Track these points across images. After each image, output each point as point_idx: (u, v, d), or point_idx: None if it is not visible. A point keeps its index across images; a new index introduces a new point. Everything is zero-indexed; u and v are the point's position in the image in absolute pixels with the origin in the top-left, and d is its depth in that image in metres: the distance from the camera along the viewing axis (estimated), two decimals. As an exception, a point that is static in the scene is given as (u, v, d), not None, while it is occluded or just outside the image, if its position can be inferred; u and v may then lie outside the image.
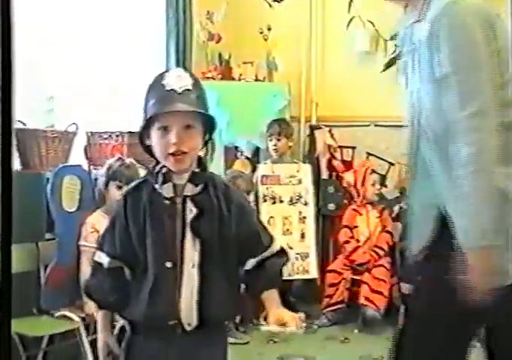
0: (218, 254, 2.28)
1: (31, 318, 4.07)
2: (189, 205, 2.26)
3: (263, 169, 5.84)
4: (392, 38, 6.27)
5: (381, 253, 5.66)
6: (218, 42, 6.27)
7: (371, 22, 6.33)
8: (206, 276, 2.25)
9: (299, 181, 5.88)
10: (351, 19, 6.35)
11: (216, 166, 5.04)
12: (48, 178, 4.33)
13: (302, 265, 5.71)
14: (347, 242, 5.75)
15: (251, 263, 2.34)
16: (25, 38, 4.88)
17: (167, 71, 2.38)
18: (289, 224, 5.76)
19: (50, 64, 5.08)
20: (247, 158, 6.07)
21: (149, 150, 2.31)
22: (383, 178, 6.20)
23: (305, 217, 5.83)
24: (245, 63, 6.25)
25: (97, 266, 2.37)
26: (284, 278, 5.34)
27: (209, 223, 2.26)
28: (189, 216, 2.25)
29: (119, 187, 4.30)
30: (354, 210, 5.85)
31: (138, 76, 5.83)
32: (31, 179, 4.40)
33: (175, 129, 2.21)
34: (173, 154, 2.21)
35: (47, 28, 5.08)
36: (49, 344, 4.01)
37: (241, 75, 6.18)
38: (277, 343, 5.09)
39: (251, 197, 5.61)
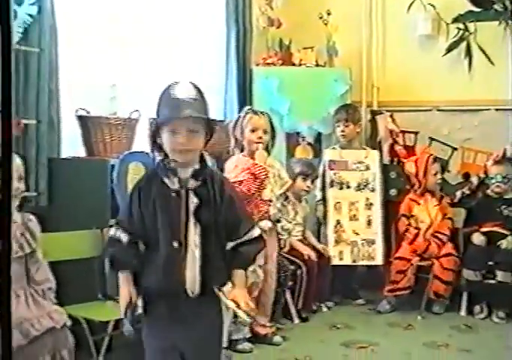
0: (213, 236, 2.75)
1: (97, 303, 4.13)
2: (191, 196, 2.72)
3: (330, 154, 5.81)
4: (453, 21, 6.19)
5: (444, 238, 5.60)
6: (278, 27, 6.25)
7: (433, 5, 6.23)
8: (205, 254, 2.71)
9: (367, 167, 5.84)
10: (412, 2, 6.26)
11: (278, 152, 5.02)
12: (113, 165, 4.38)
13: (368, 251, 5.68)
14: (406, 230, 5.70)
15: (230, 245, 2.79)
16: (87, 27, 4.94)
17: (175, 83, 2.87)
18: (355, 210, 5.74)
19: (112, 52, 5.12)
20: (309, 144, 6.04)
21: (158, 146, 2.77)
22: (446, 163, 6.12)
23: (371, 204, 5.79)
24: (305, 48, 6.22)
25: (115, 241, 2.78)
26: (348, 264, 5.36)
27: (207, 211, 2.73)
28: (191, 205, 2.71)
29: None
30: (411, 200, 5.78)
31: (199, 62, 5.85)
32: (96, 166, 4.46)
33: (182, 132, 2.67)
34: (180, 151, 2.69)
35: (109, 17, 5.12)
36: (114, 329, 4.04)
37: (301, 60, 6.15)
38: (340, 329, 5.08)
39: (317, 182, 5.59)
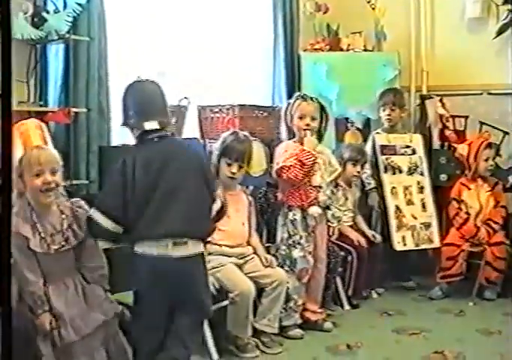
0: None
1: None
2: None
3: (379, 138, 5.77)
4: (504, 3, 6.09)
5: (496, 227, 5.53)
6: (325, 13, 6.21)
7: (483, -13, 6.14)
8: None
9: (413, 151, 5.80)
10: (462, -16, 6.18)
11: (327, 138, 5.00)
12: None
13: (427, 235, 5.64)
14: (456, 214, 5.64)
15: None
16: (136, 14, 4.96)
17: None
18: (409, 194, 5.69)
19: (161, 39, 5.14)
20: (358, 129, 6.00)
21: None
22: (497, 148, 6.03)
23: (423, 187, 5.75)
24: (353, 33, 6.19)
25: None
26: (412, 248, 5.32)
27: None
28: None
29: (229, 165, 4.33)
30: (462, 184, 5.71)
31: (246, 50, 5.85)
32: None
33: None
34: None
35: (157, 4, 5.13)
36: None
37: (349, 45, 6.11)
38: (391, 315, 5.06)
39: (367, 166, 5.56)
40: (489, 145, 5.69)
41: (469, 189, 5.67)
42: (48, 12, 4.19)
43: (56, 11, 4.23)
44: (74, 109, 4.30)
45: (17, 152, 3.21)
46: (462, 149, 5.75)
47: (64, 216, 3.36)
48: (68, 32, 4.22)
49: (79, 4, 4.24)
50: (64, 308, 3.21)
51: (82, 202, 3.50)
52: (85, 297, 3.36)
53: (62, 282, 3.32)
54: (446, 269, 5.43)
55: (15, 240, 3.03)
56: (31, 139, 3.34)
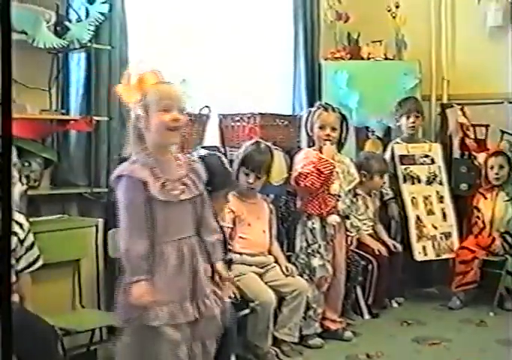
0: None
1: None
2: None
3: (399, 148, 5.76)
4: (526, 11, 6.08)
5: (511, 240, 5.50)
6: (346, 21, 6.23)
7: (504, -4, 6.13)
8: None
9: (432, 161, 5.80)
10: (482, -7, 6.17)
11: (347, 147, 4.99)
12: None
13: (447, 245, 5.62)
14: (475, 223, 5.63)
15: None
16: (158, 23, 4.98)
17: None
18: (430, 204, 5.68)
19: (183, 48, 5.16)
20: (378, 138, 6.00)
21: None
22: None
23: (442, 197, 5.74)
24: (373, 42, 6.18)
25: None
26: (433, 258, 5.30)
27: None
28: None
29: (246, 174, 4.33)
30: (480, 193, 5.71)
31: (267, 57, 5.86)
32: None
33: None
34: None
35: (178, 13, 5.15)
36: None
37: (370, 54, 6.11)
38: (411, 325, 5.04)
39: (386, 177, 5.55)
40: (496, 154, 5.66)
41: (485, 198, 5.66)
42: (70, 21, 4.21)
43: (78, 20, 4.26)
44: (96, 118, 4.32)
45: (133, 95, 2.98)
46: (481, 158, 5.75)
47: (181, 162, 3.03)
48: (90, 41, 4.24)
49: (102, 13, 4.26)
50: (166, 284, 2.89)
51: (197, 159, 3.28)
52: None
53: (177, 244, 2.96)
54: (460, 275, 5.41)
55: (130, 187, 2.84)
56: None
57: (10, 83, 1.29)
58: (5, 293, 1.35)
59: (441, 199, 5.73)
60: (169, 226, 2.93)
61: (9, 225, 1.31)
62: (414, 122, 5.79)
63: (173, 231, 2.95)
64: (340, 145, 4.61)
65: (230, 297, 3.90)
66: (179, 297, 2.91)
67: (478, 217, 5.62)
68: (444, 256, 5.61)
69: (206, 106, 4.78)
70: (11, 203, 1.34)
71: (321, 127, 4.52)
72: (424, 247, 5.57)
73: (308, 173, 4.39)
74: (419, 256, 5.53)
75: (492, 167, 5.62)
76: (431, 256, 5.59)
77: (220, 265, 3.15)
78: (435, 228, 5.63)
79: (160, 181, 2.87)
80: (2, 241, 1.30)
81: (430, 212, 5.67)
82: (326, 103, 4.72)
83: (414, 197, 5.68)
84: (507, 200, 5.60)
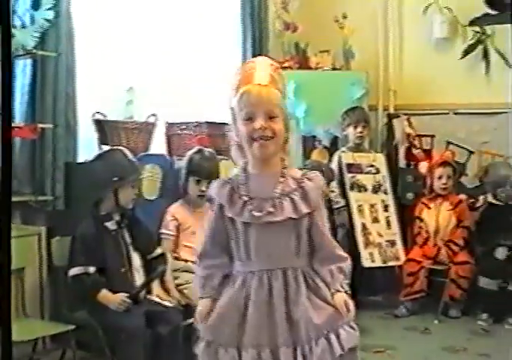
0: None
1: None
2: None
3: (345, 157, 5.79)
4: (470, 24, 6.17)
5: (456, 248, 5.55)
6: (294, 31, 6.26)
7: (449, 8, 6.21)
8: None
9: (378, 170, 5.85)
10: (428, 6, 6.25)
11: (294, 156, 5.02)
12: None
13: (392, 252, 5.67)
14: (418, 233, 5.70)
15: None
16: (105, 30, 4.96)
17: None
18: (375, 212, 5.72)
19: (129, 56, 5.14)
20: (325, 147, 6.03)
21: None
22: (463, 167, 6.09)
23: (387, 206, 5.80)
24: (321, 52, 6.23)
25: None
26: (379, 265, 5.33)
27: None
28: None
29: (198, 182, 4.34)
30: (423, 203, 5.78)
31: (215, 66, 5.85)
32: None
33: None
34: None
35: (126, 20, 5.14)
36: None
37: (318, 64, 6.15)
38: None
39: (334, 185, 5.58)
40: (443, 164, 5.73)
41: (429, 208, 5.72)
42: (15, 27, 4.17)
43: (23, 26, 4.22)
44: (41, 125, 4.28)
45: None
46: (422, 167, 5.82)
47: (282, 179, 2.60)
48: (35, 48, 4.20)
49: (47, 20, 4.23)
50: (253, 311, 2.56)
51: (316, 176, 2.70)
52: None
53: (266, 271, 2.57)
54: (408, 286, 5.47)
55: (211, 203, 2.67)
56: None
57: (10, 85, 1.27)
58: (5, 293, 1.34)
59: (386, 207, 5.79)
60: (250, 252, 2.59)
61: (9, 225, 1.30)
62: (361, 132, 5.83)
63: (256, 259, 2.59)
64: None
65: (175, 304, 3.91)
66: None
67: (421, 227, 5.70)
68: (390, 264, 5.66)
69: (153, 115, 4.76)
70: (11, 203, 1.33)
71: None
72: (371, 254, 5.61)
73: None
74: (366, 263, 5.57)
75: (440, 177, 5.68)
76: (378, 262, 5.63)
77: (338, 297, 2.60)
78: (381, 235, 5.68)
79: (242, 199, 2.57)
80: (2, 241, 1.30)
81: (375, 220, 5.71)
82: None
83: (360, 205, 5.72)
84: (451, 209, 5.67)
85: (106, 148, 4.36)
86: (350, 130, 5.84)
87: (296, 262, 2.60)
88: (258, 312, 2.53)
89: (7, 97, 1.30)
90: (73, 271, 3.70)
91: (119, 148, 4.12)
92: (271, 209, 2.54)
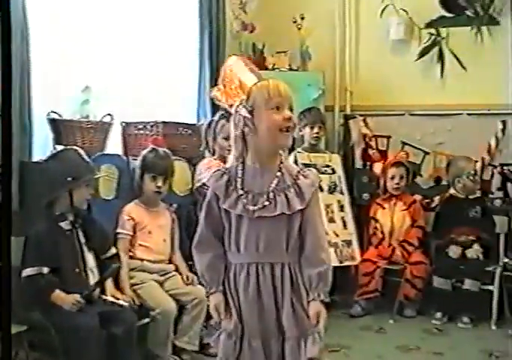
0: None
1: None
2: None
3: (301, 157, 5.81)
4: (426, 26, 6.24)
5: (411, 248, 5.63)
6: (251, 32, 6.27)
7: (405, 10, 6.26)
8: None
9: (333, 171, 5.87)
10: (385, 7, 6.29)
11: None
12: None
13: (348, 252, 5.70)
14: (374, 234, 5.75)
15: None
16: (60, 28, 4.91)
17: None
18: (331, 212, 5.75)
19: (85, 54, 5.09)
20: (281, 147, 6.03)
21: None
22: (418, 168, 6.15)
23: (343, 206, 5.82)
24: (278, 52, 6.24)
25: None
26: (336, 265, 5.41)
27: None
28: None
29: (154, 178, 4.35)
30: (377, 203, 5.85)
31: (172, 65, 5.84)
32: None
33: None
34: None
35: (82, 18, 5.09)
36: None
37: (275, 64, 6.16)
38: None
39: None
40: (396, 164, 5.79)
41: (383, 208, 5.79)
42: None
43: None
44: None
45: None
46: (376, 168, 5.87)
47: (279, 174, 2.66)
48: (-12, 45, 4.15)
49: (1, 16, 4.18)
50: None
51: (312, 173, 2.73)
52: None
53: (255, 264, 2.66)
54: (363, 286, 5.52)
55: (207, 196, 2.75)
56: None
57: (10, 85, 1.26)
58: (5, 293, 1.33)
59: (341, 208, 5.81)
60: (240, 244, 2.67)
61: (9, 225, 1.29)
62: (317, 133, 5.85)
63: (245, 251, 2.67)
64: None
65: (130, 304, 3.91)
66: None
67: (376, 227, 5.76)
68: (346, 263, 5.69)
69: (109, 114, 4.73)
70: (11, 203, 1.32)
71: (226, 138, 4.52)
72: (327, 254, 5.63)
73: (212, 183, 4.40)
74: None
75: (392, 177, 5.75)
76: (334, 262, 5.64)
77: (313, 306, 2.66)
78: (337, 235, 5.71)
79: (237, 192, 2.64)
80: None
81: (331, 220, 5.73)
82: (229, 113, 4.72)
83: (315, 205, 5.73)
84: (405, 209, 5.73)
85: (60, 147, 4.32)
86: (307, 131, 5.85)
87: (285, 258, 2.65)
88: (247, 303, 2.66)
89: (7, 97, 1.29)
90: (27, 271, 3.67)
91: (73, 147, 4.10)
92: (265, 203, 2.60)
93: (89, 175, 3.99)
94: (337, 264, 5.63)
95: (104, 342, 3.60)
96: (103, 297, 3.90)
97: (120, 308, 3.85)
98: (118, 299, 3.93)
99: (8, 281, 1.34)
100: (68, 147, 4.16)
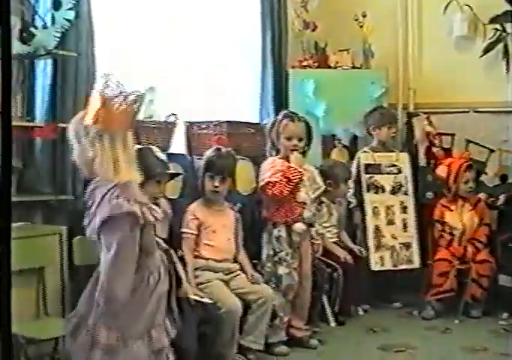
0: None
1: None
2: None
3: (365, 157, 5.78)
4: (490, 22, 6.13)
5: (480, 246, 5.54)
6: (313, 30, 6.24)
7: (469, 6, 6.17)
8: None
9: (399, 171, 5.82)
10: (448, 3, 6.20)
11: (314, 155, 5.02)
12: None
13: (406, 255, 5.65)
14: (440, 236, 5.65)
15: None
16: (124, 29, 4.97)
17: None
18: (392, 214, 5.70)
19: (150, 55, 5.14)
20: (344, 146, 6.01)
21: None
22: (483, 166, 6.05)
23: (406, 207, 5.76)
24: (341, 50, 6.20)
25: None
26: (389, 268, 5.33)
27: None
28: None
29: (211, 178, 4.36)
30: (443, 206, 5.72)
31: (235, 65, 5.86)
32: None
33: None
34: None
35: (146, 19, 5.14)
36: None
37: (337, 63, 6.12)
38: (376, 332, 5.05)
39: (351, 185, 5.57)
40: (469, 167, 5.69)
41: (451, 210, 5.67)
42: (36, 27, 4.18)
43: (44, 27, 4.22)
44: (61, 125, 4.29)
45: None
46: (441, 171, 5.76)
47: None
48: (56, 48, 4.21)
49: (68, 20, 4.24)
50: None
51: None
52: None
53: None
54: (437, 286, 5.42)
55: None
56: None
57: (10, 85, 1.28)
58: (5, 293, 1.35)
59: (404, 209, 5.76)
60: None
61: (9, 225, 1.31)
62: (395, 132, 5.85)
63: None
64: (303, 153, 4.62)
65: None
66: None
67: (444, 230, 5.62)
68: (401, 267, 5.65)
69: (173, 114, 4.77)
70: (11, 203, 1.34)
71: (288, 138, 4.53)
72: (382, 257, 5.60)
73: (276, 182, 4.41)
74: (375, 266, 5.57)
75: (466, 181, 5.64)
76: (388, 266, 5.62)
77: None
78: (395, 238, 5.66)
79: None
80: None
81: (390, 222, 5.69)
82: (293, 112, 4.73)
83: (375, 207, 5.70)
84: (472, 209, 5.65)
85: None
86: (384, 131, 5.82)
87: None
88: None
89: (7, 95, 1.31)
90: None
91: (149, 146, 4.11)
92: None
93: (161, 172, 3.97)
94: (390, 267, 5.60)
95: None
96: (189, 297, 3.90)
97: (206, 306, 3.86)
98: (202, 297, 3.93)
99: (8, 281, 1.34)
100: (146, 146, 4.18)
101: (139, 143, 4.40)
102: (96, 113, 2.79)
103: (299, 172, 4.42)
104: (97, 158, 2.78)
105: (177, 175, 4.30)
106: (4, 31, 1.26)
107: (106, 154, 2.77)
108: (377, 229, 5.65)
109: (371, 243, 5.62)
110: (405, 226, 5.73)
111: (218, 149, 4.50)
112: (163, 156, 4.01)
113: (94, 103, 2.80)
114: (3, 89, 1.30)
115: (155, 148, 4.08)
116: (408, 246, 5.68)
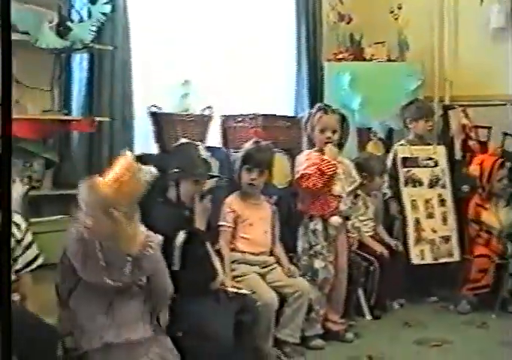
0: None
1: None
2: None
3: (402, 151, 5.74)
4: (528, 13, 6.07)
5: None
6: (348, 23, 6.21)
7: (507, -3, 6.12)
8: None
9: (436, 164, 5.77)
10: (486, -5, 6.16)
11: (349, 148, 5.00)
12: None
13: (446, 248, 5.61)
14: (478, 236, 5.58)
15: None
16: (160, 23, 4.99)
17: None
18: (431, 207, 5.66)
19: (185, 49, 5.16)
20: (380, 139, 5.98)
21: None
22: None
23: (444, 200, 5.72)
24: (376, 43, 6.17)
25: None
26: (429, 262, 5.27)
27: None
28: None
29: (249, 170, 4.36)
30: (478, 204, 5.64)
31: (270, 58, 5.86)
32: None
33: None
34: None
35: (182, 13, 5.16)
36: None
37: (373, 55, 6.10)
38: (412, 326, 5.03)
39: (385, 178, 5.54)
40: (502, 165, 5.61)
41: (486, 209, 5.59)
42: (72, 21, 4.22)
43: (81, 21, 4.26)
44: (98, 118, 4.32)
45: None
46: (473, 170, 5.68)
47: None
48: (92, 41, 4.24)
49: (104, 14, 4.27)
50: None
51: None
52: None
53: None
54: (475, 281, 5.37)
55: None
56: None
57: (11, 84, 1.29)
58: (5, 294, 1.35)
59: (442, 202, 5.71)
60: None
61: (9, 225, 1.31)
62: (431, 125, 5.82)
63: None
64: (340, 146, 4.60)
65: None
66: None
67: (480, 229, 5.55)
68: (442, 260, 5.60)
69: (209, 107, 4.78)
70: (11, 203, 1.34)
71: (322, 130, 4.50)
72: (422, 251, 5.56)
73: (310, 174, 4.39)
74: (416, 259, 5.53)
75: (500, 179, 5.57)
76: (428, 259, 5.57)
77: None
78: (435, 232, 5.62)
79: None
80: (1, 242, 1.30)
81: (430, 216, 5.65)
82: (326, 105, 4.71)
83: (414, 200, 5.65)
84: (506, 205, 5.59)
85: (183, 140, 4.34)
86: (421, 124, 5.79)
87: None
88: None
89: (7, 92, 1.31)
90: None
91: (195, 142, 4.12)
92: None
93: (201, 172, 3.97)
94: (431, 261, 5.56)
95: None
96: (227, 289, 3.91)
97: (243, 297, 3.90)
98: (240, 288, 3.95)
99: (8, 281, 1.34)
100: (192, 142, 4.19)
101: (175, 137, 4.45)
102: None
103: (333, 164, 4.39)
104: None
105: (217, 176, 4.32)
106: (4, 30, 1.26)
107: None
108: (417, 222, 5.61)
109: (411, 237, 5.59)
110: (444, 220, 5.68)
111: (257, 142, 4.49)
112: (207, 154, 4.01)
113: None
114: (3, 82, 1.31)
115: (200, 145, 4.08)
116: (447, 239, 5.63)
